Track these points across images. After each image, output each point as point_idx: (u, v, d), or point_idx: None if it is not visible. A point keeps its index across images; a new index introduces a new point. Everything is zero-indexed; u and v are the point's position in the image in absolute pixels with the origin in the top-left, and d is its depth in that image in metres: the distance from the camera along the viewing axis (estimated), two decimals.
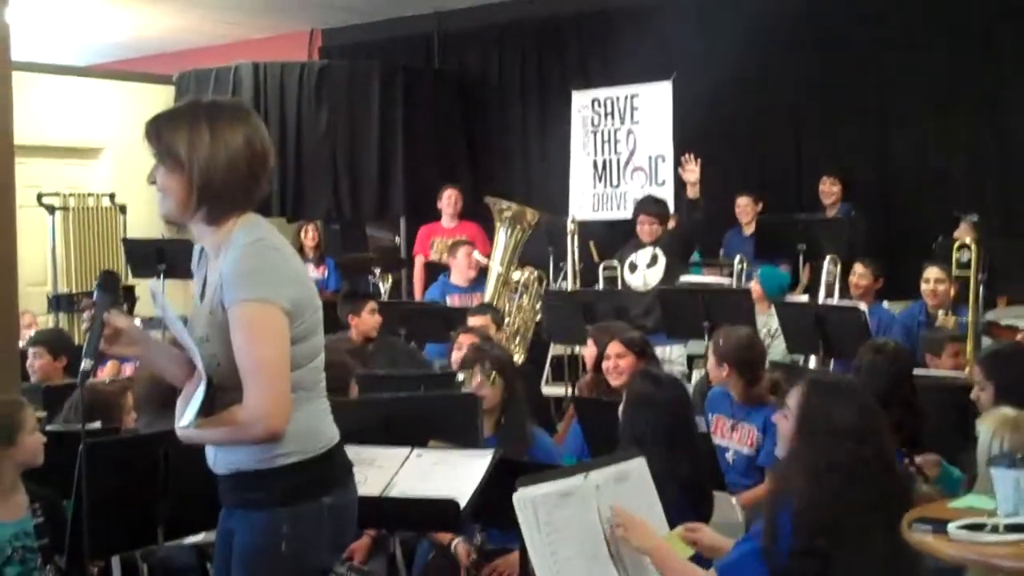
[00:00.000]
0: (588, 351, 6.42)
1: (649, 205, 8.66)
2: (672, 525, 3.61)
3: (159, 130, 2.99)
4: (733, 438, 5.39)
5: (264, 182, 3.05)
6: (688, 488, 4.13)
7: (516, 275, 8.86)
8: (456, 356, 5.87)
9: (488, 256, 9.00)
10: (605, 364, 5.75)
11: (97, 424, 4.57)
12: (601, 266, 9.12)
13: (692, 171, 8.39)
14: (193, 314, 3.10)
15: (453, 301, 8.69)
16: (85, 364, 2.99)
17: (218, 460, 3.06)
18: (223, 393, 2.94)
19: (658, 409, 4.20)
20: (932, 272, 7.27)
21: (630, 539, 3.38)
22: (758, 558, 3.21)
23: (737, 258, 8.78)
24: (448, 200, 10.05)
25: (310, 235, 10.28)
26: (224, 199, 2.97)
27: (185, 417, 2.96)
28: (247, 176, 2.99)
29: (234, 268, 2.92)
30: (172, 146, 2.94)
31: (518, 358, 8.03)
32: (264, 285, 2.90)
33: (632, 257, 8.32)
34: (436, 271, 9.46)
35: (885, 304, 8.00)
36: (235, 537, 3.07)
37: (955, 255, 7.19)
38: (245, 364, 2.89)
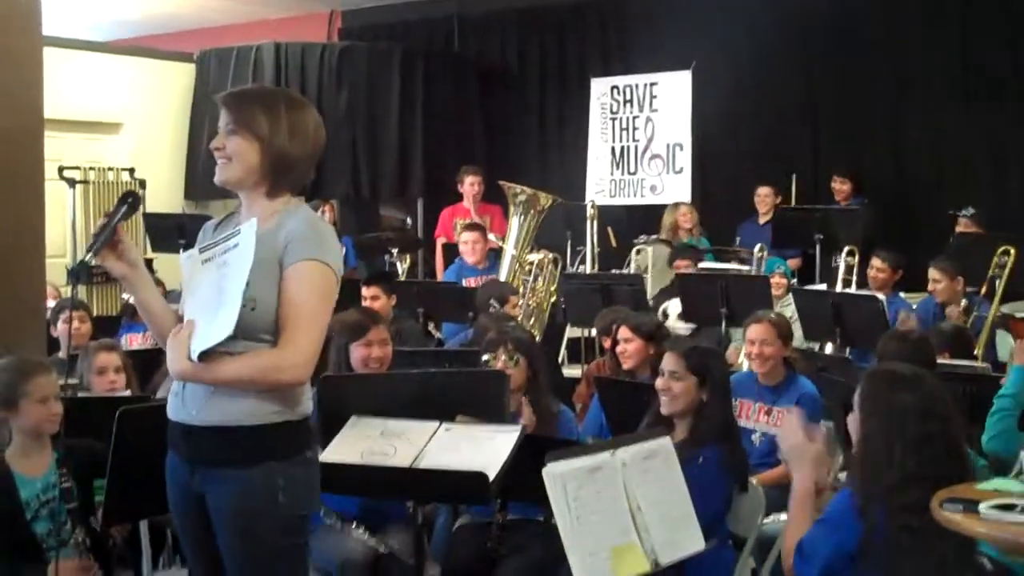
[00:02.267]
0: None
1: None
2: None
3: (240, 102, 3.21)
4: (764, 421, 5.43)
5: (313, 165, 3.33)
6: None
7: (531, 257, 8.90)
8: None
9: (502, 238, 9.02)
10: (618, 348, 5.87)
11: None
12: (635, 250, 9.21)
13: None
14: (210, 267, 3.20)
15: (469, 283, 8.72)
16: (87, 257, 3.19)
17: (207, 412, 3.12)
18: (230, 343, 3.04)
19: None
20: (932, 272, 7.39)
21: (794, 451, 3.53)
22: (838, 543, 3.24)
23: (757, 247, 8.81)
24: (471, 186, 10.08)
25: (327, 215, 10.31)
26: (289, 176, 3.24)
27: (213, 336, 3.02)
28: (310, 162, 3.27)
29: (305, 230, 3.12)
30: (252, 120, 3.16)
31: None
32: (330, 252, 3.16)
33: (665, 305, 8.35)
34: (454, 253, 9.49)
35: (902, 295, 8.03)
36: (220, 499, 3.15)
37: (997, 258, 7.28)
38: (296, 315, 3.06)
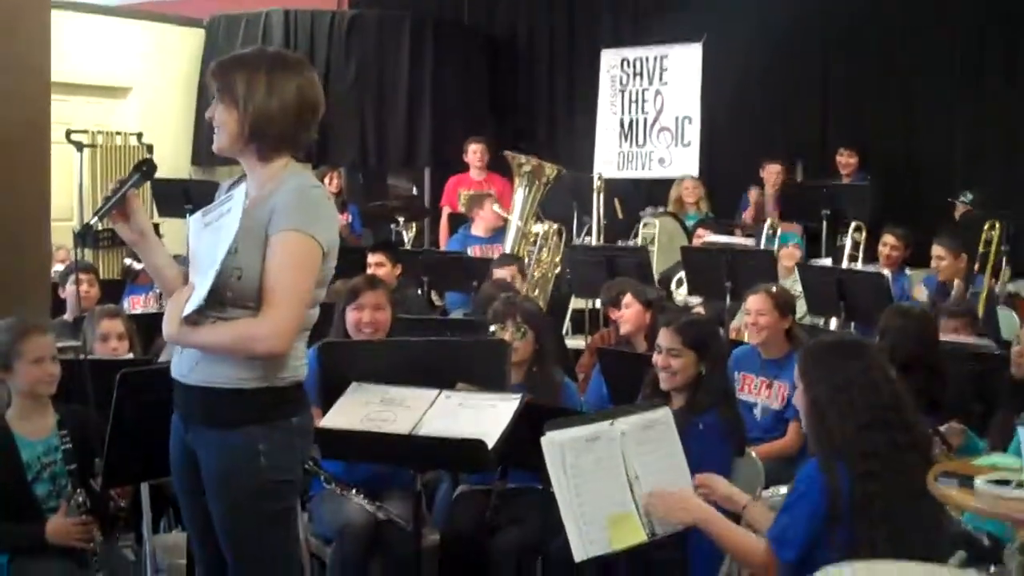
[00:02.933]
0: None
1: None
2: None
3: (223, 70, 3.21)
4: (765, 395, 5.44)
5: (312, 129, 3.28)
6: None
7: (536, 228, 8.89)
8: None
9: (508, 209, 9.03)
10: (617, 313, 6.00)
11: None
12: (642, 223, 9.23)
13: None
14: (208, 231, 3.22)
15: (474, 252, 8.73)
16: (92, 220, 3.21)
17: (195, 372, 3.17)
18: (221, 308, 3.08)
19: None
20: (935, 250, 7.37)
21: (672, 517, 3.44)
22: (812, 519, 3.22)
23: (768, 222, 8.81)
24: (474, 154, 10.10)
25: (334, 183, 10.28)
26: (272, 139, 3.19)
27: (192, 302, 3.05)
28: (295, 122, 3.20)
29: (289, 200, 3.11)
30: (232, 86, 3.16)
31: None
32: (313, 222, 3.12)
33: (679, 275, 8.34)
34: (458, 222, 9.49)
35: (908, 271, 8.03)
36: (206, 459, 3.19)
37: (984, 234, 7.29)
38: (275, 285, 3.06)
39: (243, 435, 3.13)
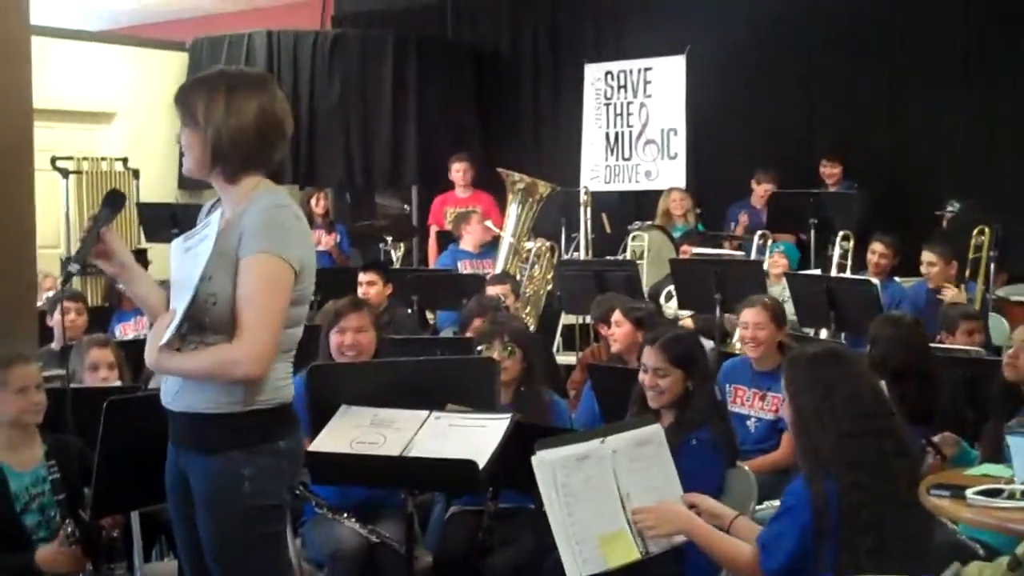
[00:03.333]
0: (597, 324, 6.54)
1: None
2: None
3: (185, 94, 3.22)
4: (759, 407, 5.43)
5: (279, 148, 3.28)
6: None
7: (528, 245, 8.90)
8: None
9: (500, 226, 9.03)
10: (608, 330, 5.95)
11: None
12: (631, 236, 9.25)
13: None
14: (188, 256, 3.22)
15: (464, 267, 8.74)
16: (72, 267, 3.21)
17: (178, 398, 3.17)
18: (201, 334, 3.09)
19: None
20: (925, 256, 7.38)
21: (661, 529, 3.42)
22: (802, 532, 3.20)
23: (759, 233, 8.81)
24: (458, 172, 10.13)
25: (320, 203, 10.27)
26: (236, 159, 3.18)
27: (169, 330, 3.06)
28: (257, 141, 3.18)
29: (257, 222, 3.10)
30: (192, 108, 3.16)
31: (529, 327, 8.06)
32: (282, 243, 3.11)
33: (668, 289, 8.33)
34: (447, 240, 9.48)
35: (896, 279, 8.02)
36: (194, 482, 3.19)
37: (974, 240, 7.29)
38: (247, 308, 3.05)
39: (226, 460, 3.13)
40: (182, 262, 3.18)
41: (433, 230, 10.15)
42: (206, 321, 3.07)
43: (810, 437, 3.27)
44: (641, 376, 4.37)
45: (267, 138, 3.20)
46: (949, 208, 8.92)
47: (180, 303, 3.09)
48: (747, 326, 5.54)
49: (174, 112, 3.28)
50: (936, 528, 3.33)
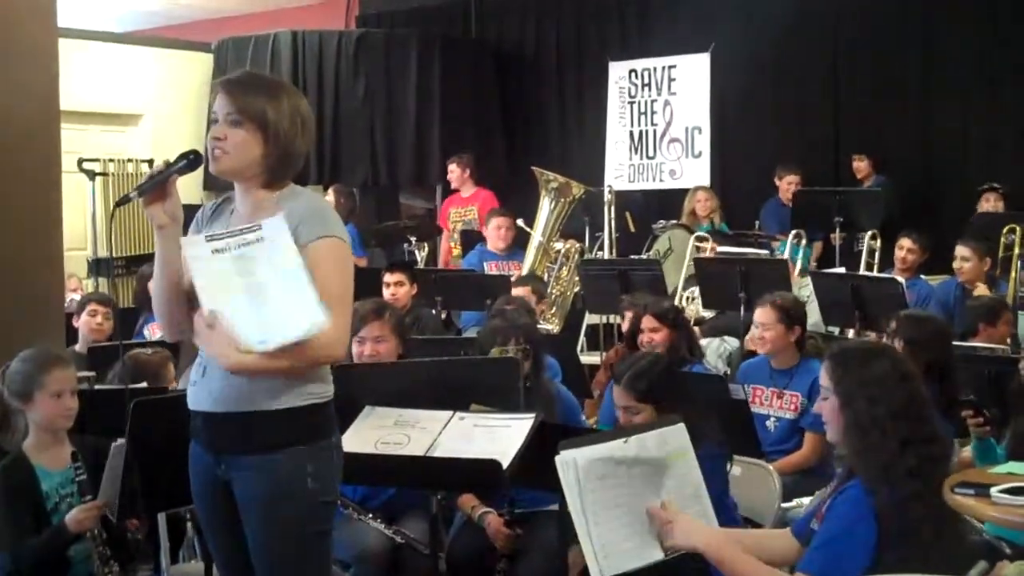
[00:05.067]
0: (626, 323, 6.48)
1: None
2: None
3: (244, 90, 3.16)
4: (777, 406, 5.41)
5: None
6: None
7: (557, 246, 8.91)
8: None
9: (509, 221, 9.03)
10: (640, 338, 5.76)
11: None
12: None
13: None
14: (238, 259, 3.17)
15: (491, 268, 8.74)
16: (131, 194, 3.16)
17: (237, 399, 3.11)
18: None
19: None
20: (960, 250, 7.30)
21: (678, 540, 3.28)
22: (866, 545, 3.06)
23: (793, 233, 8.79)
24: (452, 175, 10.26)
25: (331, 202, 10.23)
26: (293, 162, 3.22)
27: (281, 334, 3.00)
28: (309, 144, 3.28)
29: (311, 210, 3.14)
30: (258, 109, 3.12)
31: (555, 327, 8.07)
32: (340, 228, 3.18)
33: (691, 291, 8.32)
34: (474, 239, 9.49)
35: (923, 277, 7.99)
36: (247, 485, 3.15)
37: (1004, 238, 7.25)
38: (325, 289, 3.04)
39: (291, 456, 3.11)
40: (206, 259, 3.10)
41: (459, 227, 10.16)
42: None
43: (869, 443, 3.12)
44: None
45: (308, 146, 3.28)
46: (993, 185, 8.84)
47: (243, 305, 3.04)
48: (757, 325, 5.54)
49: (200, 113, 3.29)
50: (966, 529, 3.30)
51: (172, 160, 3.18)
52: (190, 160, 3.21)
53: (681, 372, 4.46)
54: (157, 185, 3.13)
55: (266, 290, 3.03)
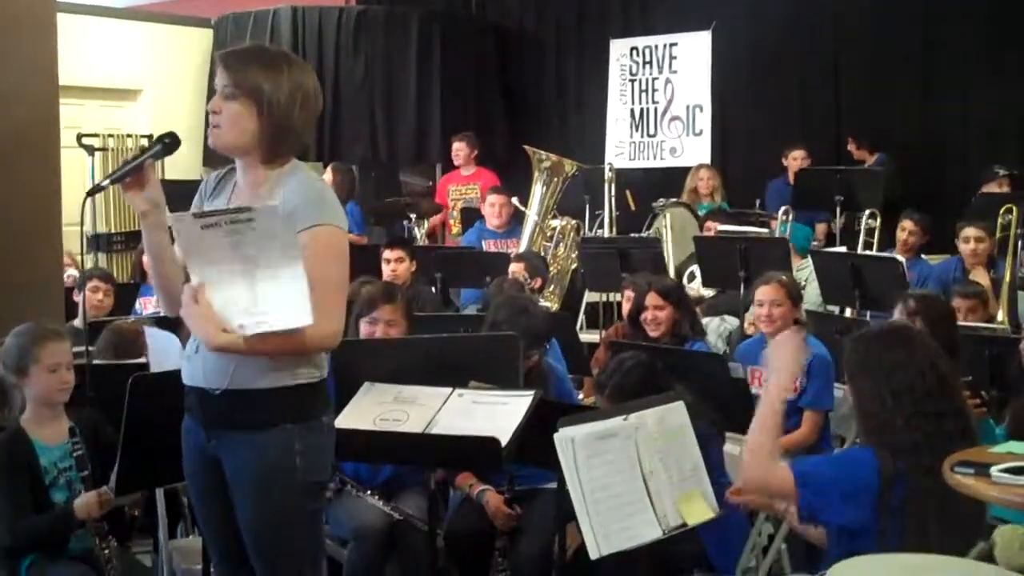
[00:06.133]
0: (626, 301, 6.46)
1: None
2: None
3: (241, 63, 3.12)
4: None
5: (313, 128, 3.29)
6: None
7: (553, 223, 8.90)
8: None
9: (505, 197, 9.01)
10: (643, 315, 5.75)
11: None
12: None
13: None
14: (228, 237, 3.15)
15: (489, 246, 8.73)
16: (103, 182, 3.15)
17: (229, 377, 3.09)
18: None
19: None
20: (971, 231, 7.22)
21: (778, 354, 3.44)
22: (856, 485, 3.21)
23: (782, 210, 8.76)
24: (456, 153, 10.23)
25: (329, 180, 10.20)
26: (291, 138, 3.16)
27: (277, 324, 2.98)
28: (311, 119, 3.21)
29: (308, 195, 3.09)
30: (254, 82, 3.08)
31: (553, 305, 8.06)
32: (334, 212, 3.14)
33: (691, 269, 8.30)
34: (473, 217, 9.48)
35: (923, 257, 7.97)
36: (238, 464, 3.15)
37: (1000, 219, 7.23)
38: (321, 280, 3.01)
39: (280, 436, 3.10)
40: (196, 235, 3.03)
41: (459, 205, 10.14)
42: None
43: (874, 418, 3.27)
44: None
45: (312, 121, 3.22)
46: (999, 169, 8.81)
47: (228, 282, 3.01)
48: (763, 303, 5.51)
49: (199, 88, 3.24)
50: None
51: (148, 145, 3.17)
52: (165, 144, 3.20)
53: (661, 372, 4.39)
54: (131, 172, 3.10)
55: (254, 274, 2.99)
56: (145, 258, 3.23)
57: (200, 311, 3.05)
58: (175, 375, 3.32)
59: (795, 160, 9.83)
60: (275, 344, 3.02)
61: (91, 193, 3.25)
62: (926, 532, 3.08)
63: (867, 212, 8.37)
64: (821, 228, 9.36)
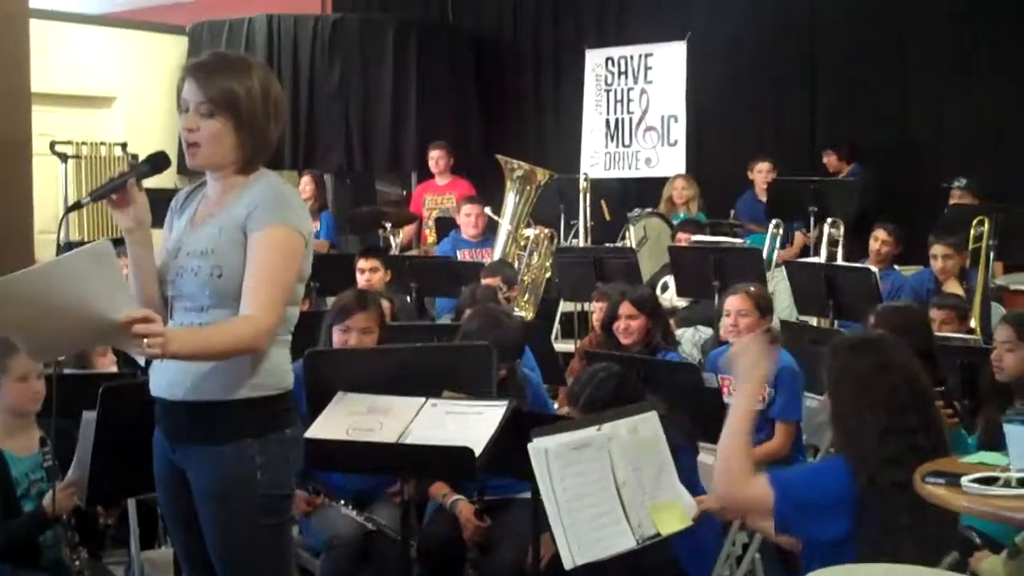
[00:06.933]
0: (595, 311, 6.48)
1: None
2: None
3: (211, 78, 3.06)
4: None
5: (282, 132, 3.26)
6: None
7: (527, 232, 8.89)
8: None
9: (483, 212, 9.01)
10: (616, 324, 5.75)
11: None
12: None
13: None
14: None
15: (464, 255, 8.73)
16: (84, 200, 3.09)
17: (185, 387, 3.07)
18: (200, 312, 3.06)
19: None
20: (939, 249, 7.27)
21: (741, 361, 3.42)
22: (836, 492, 3.20)
23: (773, 223, 8.80)
24: (433, 161, 10.21)
25: (307, 189, 10.19)
26: (267, 149, 3.16)
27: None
28: (282, 123, 3.20)
29: (267, 196, 3.08)
30: (228, 94, 3.04)
31: (528, 314, 8.06)
32: (294, 214, 3.10)
33: (664, 279, 8.31)
34: (448, 226, 9.47)
35: (896, 268, 8.01)
36: (198, 476, 3.12)
37: (973, 231, 7.27)
38: (260, 277, 3.01)
39: (238, 449, 3.07)
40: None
41: (434, 215, 10.13)
42: (211, 297, 3.04)
43: (848, 430, 3.27)
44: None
45: (281, 128, 3.20)
46: (956, 183, 8.88)
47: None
48: (729, 313, 5.51)
49: (173, 96, 3.18)
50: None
51: (135, 162, 3.15)
52: (153, 164, 3.17)
53: (634, 383, 4.37)
54: (114, 190, 3.06)
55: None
56: (126, 271, 3.17)
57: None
58: (145, 385, 3.29)
59: (760, 173, 9.87)
60: (204, 344, 3.00)
61: (70, 210, 3.22)
62: (896, 545, 3.07)
63: (829, 221, 8.41)
64: (799, 238, 9.40)
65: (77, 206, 3.17)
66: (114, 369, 5.02)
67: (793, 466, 3.38)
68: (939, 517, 3.12)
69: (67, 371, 4.57)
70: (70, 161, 10.33)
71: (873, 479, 3.16)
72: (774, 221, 8.88)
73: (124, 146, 11.03)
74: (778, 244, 8.83)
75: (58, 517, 3.96)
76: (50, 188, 9.86)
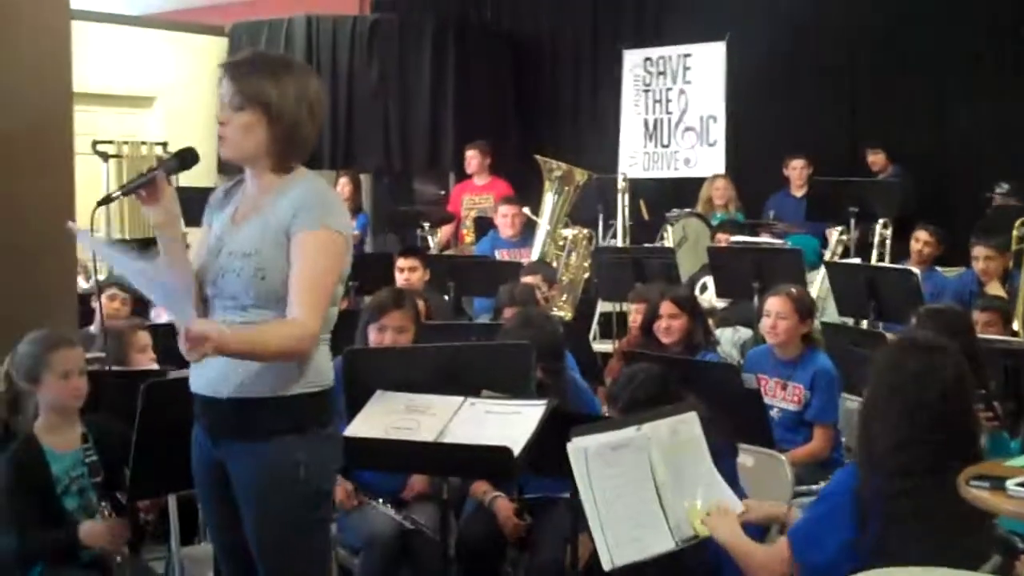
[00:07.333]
0: (633, 313, 6.46)
1: None
2: None
3: (244, 74, 3.12)
4: (780, 396, 5.37)
5: (319, 132, 3.29)
6: None
7: (565, 232, 8.89)
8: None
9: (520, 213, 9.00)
10: (657, 324, 5.73)
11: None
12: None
13: None
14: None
15: (502, 255, 8.73)
16: (114, 193, 3.17)
17: (225, 384, 3.10)
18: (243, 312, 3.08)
19: None
20: (981, 250, 7.23)
21: (716, 529, 3.41)
22: (842, 522, 3.15)
23: (838, 230, 8.75)
24: (469, 162, 10.19)
25: (345, 191, 10.21)
26: (300, 144, 3.17)
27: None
28: (318, 123, 3.21)
29: (309, 197, 3.10)
30: (260, 90, 3.08)
31: (566, 314, 8.05)
32: (337, 217, 3.13)
33: (703, 280, 8.29)
34: (486, 226, 9.48)
35: (938, 269, 7.95)
36: (241, 473, 3.15)
37: (1016, 232, 7.20)
38: (306, 282, 3.04)
39: (281, 446, 3.09)
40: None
41: (473, 215, 10.14)
42: (255, 298, 3.06)
43: (868, 434, 3.21)
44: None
45: (319, 126, 3.22)
46: (998, 189, 8.80)
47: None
48: (769, 314, 5.49)
49: (213, 96, 3.23)
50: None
51: (165, 157, 3.20)
52: (183, 159, 3.22)
53: (673, 383, 4.34)
54: (143, 185, 3.10)
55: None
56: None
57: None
58: (186, 382, 3.31)
59: (794, 170, 9.83)
60: (247, 343, 3.01)
61: (101, 203, 3.24)
62: (907, 553, 3.01)
63: (880, 222, 8.34)
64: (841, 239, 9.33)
65: (107, 200, 3.22)
66: (154, 366, 5.06)
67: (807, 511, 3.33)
68: (974, 522, 3.08)
69: (113, 368, 4.59)
70: (111, 160, 10.41)
71: (876, 482, 3.12)
72: (839, 228, 8.75)
73: (165, 145, 11.10)
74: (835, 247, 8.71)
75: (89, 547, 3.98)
76: (92, 187, 9.92)
